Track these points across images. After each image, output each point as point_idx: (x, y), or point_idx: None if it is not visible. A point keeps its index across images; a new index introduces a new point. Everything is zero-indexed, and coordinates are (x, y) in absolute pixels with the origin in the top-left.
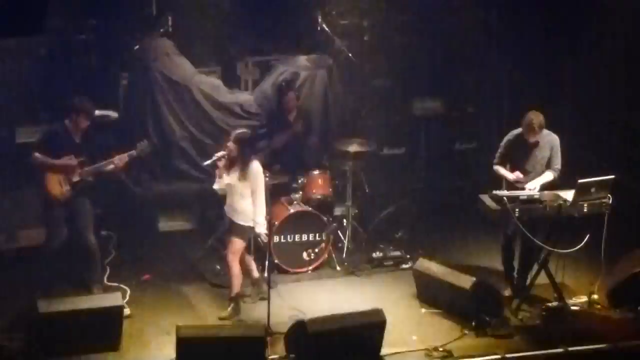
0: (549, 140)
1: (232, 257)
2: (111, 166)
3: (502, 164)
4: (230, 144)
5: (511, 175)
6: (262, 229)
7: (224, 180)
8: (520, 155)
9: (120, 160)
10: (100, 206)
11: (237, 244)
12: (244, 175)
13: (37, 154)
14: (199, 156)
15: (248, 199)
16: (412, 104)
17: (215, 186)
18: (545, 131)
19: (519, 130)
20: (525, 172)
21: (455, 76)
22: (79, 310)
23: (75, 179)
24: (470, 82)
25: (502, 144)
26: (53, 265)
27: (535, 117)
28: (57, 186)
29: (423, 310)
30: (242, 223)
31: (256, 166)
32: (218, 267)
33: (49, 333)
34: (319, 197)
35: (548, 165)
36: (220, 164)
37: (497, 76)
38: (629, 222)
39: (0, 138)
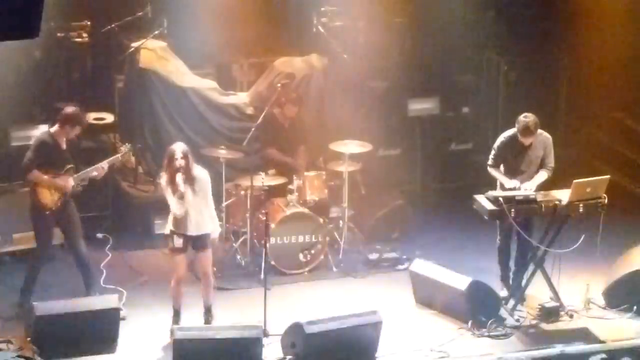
0: (542, 140)
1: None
2: (95, 173)
3: (497, 165)
4: (180, 160)
5: (508, 183)
6: (217, 233)
7: (182, 202)
8: (514, 156)
9: (104, 165)
10: (96, 209)
11: (210, 254)
12: (194, 186)
13: (35, 172)
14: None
15: (204, 207)
16: (408, 105)
17: (182, 211)
18: (538, 130)
19: (511, 131)
20: (519, 172)
21: (450, 77)
22: (76, 312)
23: (64, 189)
24: (465, 82)
25: (496, 145)
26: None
27: (530, 120)
28: (47, 195)
29: (420, 310)
30: (207, 232)
31: (204, 173)
32: (214, 268)
33: (46, 336)
34: (315, 198)
35: (542, 165)
36: (165, 184)
37: (492, 77)
38: (625, 222)
39: None
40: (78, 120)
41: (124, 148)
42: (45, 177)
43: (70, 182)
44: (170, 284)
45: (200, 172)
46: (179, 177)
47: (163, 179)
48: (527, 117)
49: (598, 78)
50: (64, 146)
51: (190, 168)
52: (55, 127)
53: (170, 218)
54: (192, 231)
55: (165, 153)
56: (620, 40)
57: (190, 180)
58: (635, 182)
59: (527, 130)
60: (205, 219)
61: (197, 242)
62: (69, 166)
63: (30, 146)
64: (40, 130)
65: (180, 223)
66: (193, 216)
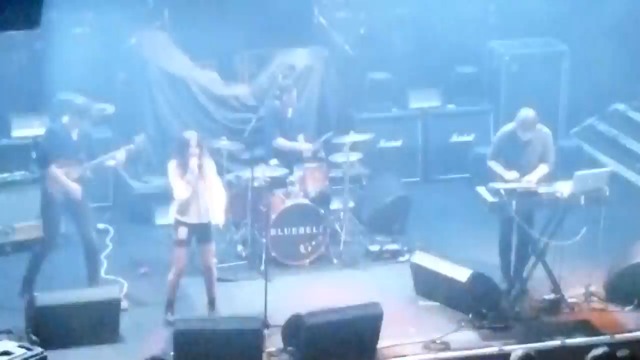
0: (542, 135)
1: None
2: (111, 161)
3: (496, 159)
4: (194, 148)
5: (508, 175)
6: (222, 219)
7: (189, 185)
8: (514, 151)
9: (119, 155)
10: (97, 200)
11: (214, 247)
12: (202, 174)
13: (53, 168)
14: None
15: (208, 196)
16: (409, 97)
17: (187, 193)
18: (538, 125)
19: (511, 125)
20: (519, 167)
21: (451, 68)
22: (77, 303)
23: (75, 176)
24: (467, 74)
25: (495, 140)
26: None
27: (530, 114)
28: (58, 185)
29: (420, 302)
30: (211, 222)
31: (211, 162)
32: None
33: (47, 326)
34: (316, 190)
35: (542, 159)
36: (176, 168)
37: (493, 68)
38: (626, 214)
39: None
40: (85, 111)
41: (138, 138)
42: (63, 177)
43: (79, 191)
44: (169, 275)
45: (209, 161)
46: (193, 163)
47: (172, 163)
48: (526, 112)
49: (600, 69)
50: (75, 137)
51: (203, 156)
52: (66, 118)
53: (174, 206)
54: (198, 219)
55: (179, 139)
56: (623, 32)
57: (201, 168)
58: (637, 174)
59: (526, 125)
60: (208, 207)
61: (202, 234)
62: (79, 157)
63: (41, 136)
64: (41, 121)
65: (186, 209)
66: (200, 204)
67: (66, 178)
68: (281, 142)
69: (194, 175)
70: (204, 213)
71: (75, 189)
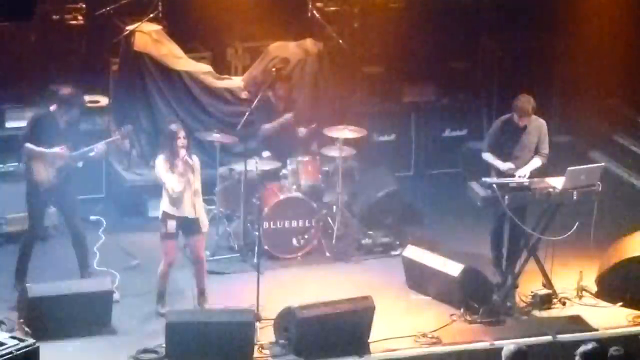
0: (537, 125)
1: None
2: (93, 152)
3: (491, 151)
4: (183, 140)
5: (503, 166)
6: (206, 228)
7: (182, 178)
8: (509, 141)
9: (100, 147)
10: (90, 191)
11: (203, 238)
12: (192, 168)
13: (28, 145)
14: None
15: (198, 191)
16: (402, 91)
17: (181, 187)
18: (533, 116)
19: (506, 116)
20: (513, 157)
21: (445, 63)
22: (69, 295)
23: (60, 164)
24: (461, 68)
25: (491, 131)
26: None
27: (528, 101)
28: (43, 172)
29: (412, 296)
30: (199, 216)
31: (196, 157)
32: (207, 252)
33: (39, 317)
34: (309, 183)
35: (536, 151)
36: (165, 162)
37: (487, 63)
38: (618, 210)
39: None
40: (73, 102)
41: (124, 129)
42: (39, 149)
43: (64, 151)
44: (160, 267)
45: (195, 157)
46: (183, 153)
47: (160, 158)
48: (525, 98)
49: (594, 64)
50: (62, 125)
51: (190, 148)
52: (54, 106)
53: (165, 200)
54: (188, 212)
55: (165, 132)
56: (617, 27)
57: (190, 159)
58: (630, 169)
59: (524, 111)
60: (198, 202)
61: (191, 227)
62: (65, 145)
63: (27, 123)
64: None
65: (177, 203)
66: (190, 197)
67: (42, 149)
68: (267, 128)
69: (185, 166)
70: (193, 208)
71: (58, 154)
